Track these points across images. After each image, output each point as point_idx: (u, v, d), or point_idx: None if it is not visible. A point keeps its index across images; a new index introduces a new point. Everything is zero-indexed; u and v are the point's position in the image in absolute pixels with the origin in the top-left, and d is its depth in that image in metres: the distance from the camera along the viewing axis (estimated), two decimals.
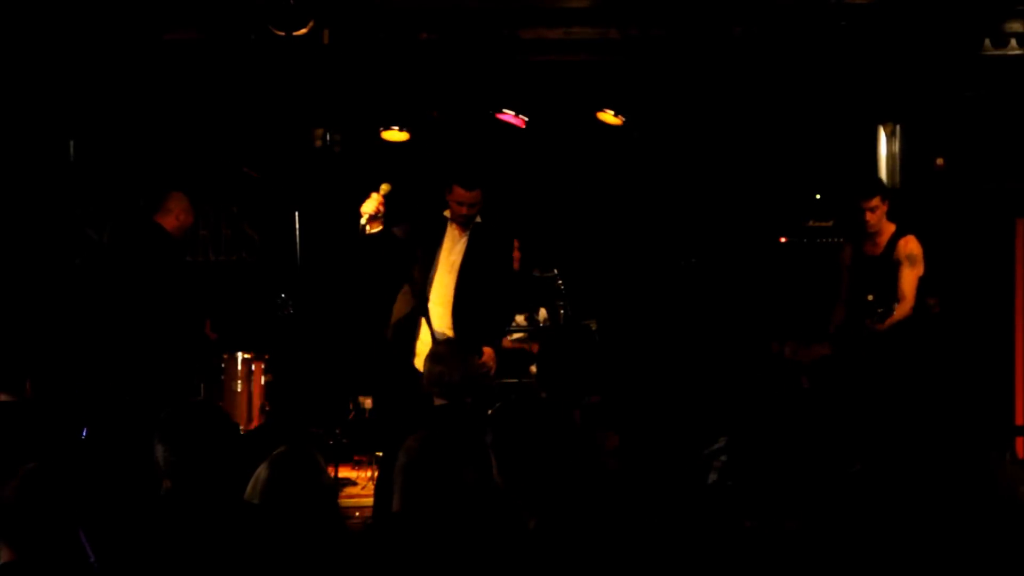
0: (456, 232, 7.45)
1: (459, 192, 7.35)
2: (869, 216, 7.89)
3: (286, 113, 9.48)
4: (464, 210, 7.35)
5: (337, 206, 10.21)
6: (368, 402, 9.10)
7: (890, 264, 7.92)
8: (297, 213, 9.57)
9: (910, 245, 7.94)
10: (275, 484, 4.27)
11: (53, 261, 9.08)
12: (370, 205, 7.05)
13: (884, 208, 7.95)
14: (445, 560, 3.78)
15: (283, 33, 7.88)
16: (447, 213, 7.44)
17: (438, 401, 5.81)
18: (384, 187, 7.11)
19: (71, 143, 9.12)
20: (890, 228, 8.00)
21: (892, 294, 7.78)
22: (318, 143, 9.92)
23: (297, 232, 9.56)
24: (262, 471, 4.29)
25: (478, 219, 7.47)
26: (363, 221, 7.03)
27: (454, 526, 3.85)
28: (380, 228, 7.13)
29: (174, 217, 8.24)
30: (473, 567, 3.77)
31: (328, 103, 9.46)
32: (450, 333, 7.27)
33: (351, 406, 9.08)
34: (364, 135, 9.84)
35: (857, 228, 8.00)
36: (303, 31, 7.90)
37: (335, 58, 8.56)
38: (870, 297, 7.78)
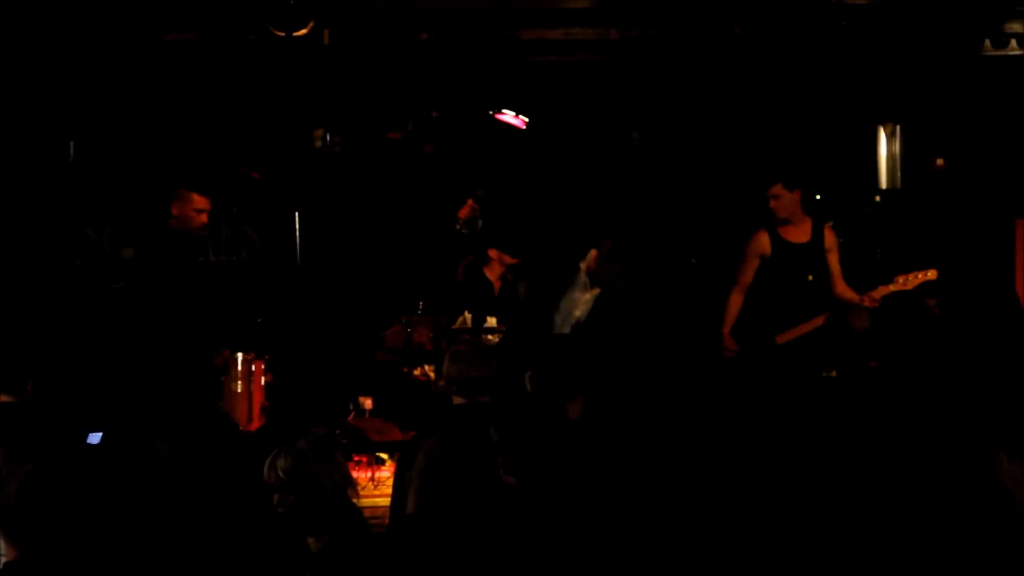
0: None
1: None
2: (773, 203, 8.07)
3: (286, 113, 9.49)
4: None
5: (337, 206, 10.24)
6: (368, 402, 9.09)
7: (820, 251, 8.13)
8: (297, 213, 9.57)
9: (833, 234, 8.24)
10: (292, 473, 4.27)
11: (53, 261, 9.08)
12: (465, 211, 7.31)
13: (793, 197, 8.10)
14: (460, 561, 3.78)
15: (283, 33, 7.88)
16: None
17: (457, 400, 5.80)
18: (479, 193, 7.42)
19: (71, 143, 9.12)
20: (807, 219, 8.21)
21: (827, 278, 8.09)
22: (318, 143, 9.92)
23: (297, 232, 9.56)
24: (281, 461, 4.29)
25: None
26: (457, 226, 7.33)
27: (471, 528, 3.84)
28: (472, 231, 7.40)
29: (175, 214, 8.21)
30: (485, 566, 3.78)
31: (328, 103, 9.47)
32: None
33: (351, 406, 9.06)
34: (364, 135, 9.84)
35: (767, 216, 8.16)
36: (303, 31, 7.90)
37: (335, 58, 8.56)
38: (810, 277, 8.10)
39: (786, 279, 8.17)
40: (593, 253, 8.80)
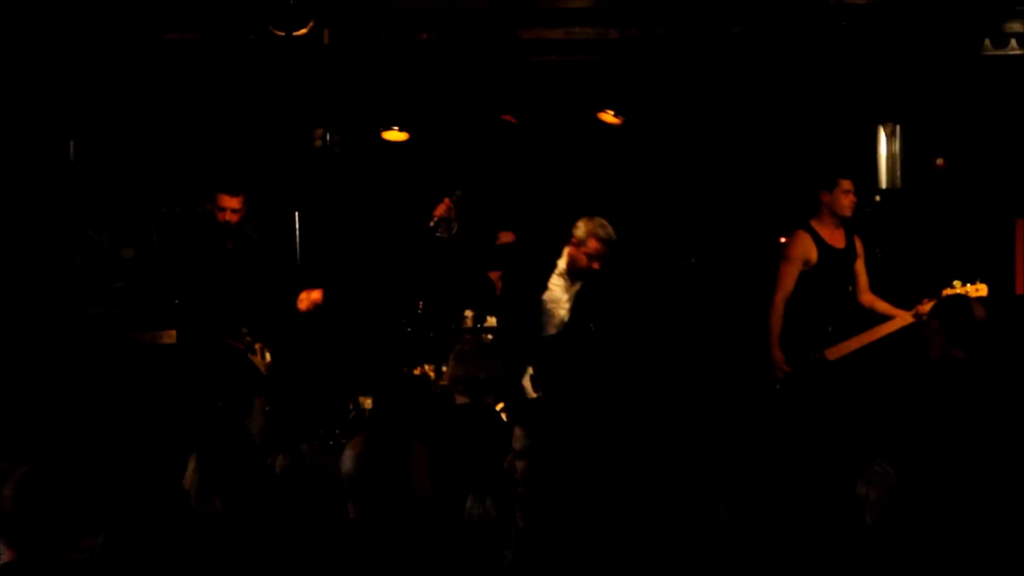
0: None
1: (596, 245, 7.40)
2: (848, 201, 7.82)
3: (286, 113, 9.49)
4: (595, 263, 7.37)
5: (337, 206, 10.24)
6: (368, 402, 9.09)
7: (853, 257, 7.93)
8: (297, 213, 9.57)
9: (860, 240, 7.98)
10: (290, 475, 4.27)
11: (53, 261, 9.08)
12: (440, 209, 7.17)
13: None
14: (410, 564, 3.75)
15: (283, 33, 7.88)
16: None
17: (460, 399, 5.81)
18: (457, 192, 7.22)
19: (71, 143, 9.12)
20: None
21: (854, 287, 7.89)
22: (318, 143, 9.92)
23: (297, 232, 9.57)
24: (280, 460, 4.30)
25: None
26: (432, 223, 7.15)
27: (411, 529, 3.82)
28: (448, 234, 7.23)
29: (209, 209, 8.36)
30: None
31: (328, 103, 9.47)
32: None
33: (351, 406, 9.06)
34: (364, 135, 9.84)
35: (830, 214, 7.88)
36: (303, 31, 7.91)
37: (335, 58, 8.57)
38: (851, 288, 7.87)
39: (830, 288, 7.84)
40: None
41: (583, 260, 7.34)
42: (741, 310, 9.80)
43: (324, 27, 8.25)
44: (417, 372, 8.80)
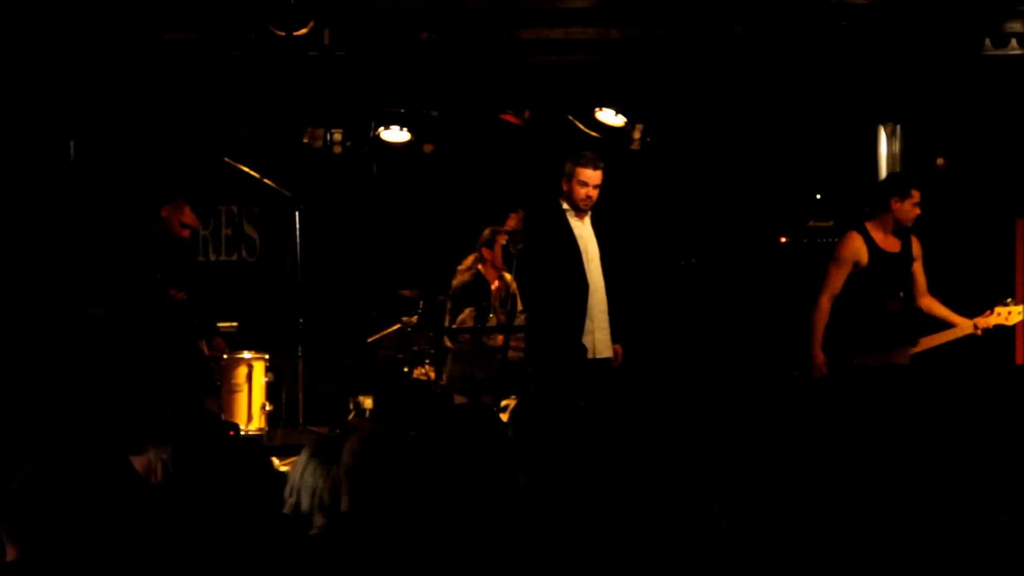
0: (576, 220, 7.57)
1: (584, 172, 7.46)
2: (915, 211, 7.61)
3: (286, 113, 9.49)
4: (591, 190, 7.45)
5: (337, 206, 10.25)
6: (368, 402, 9.10)
7: (909, 261, 7.74)
8: (297, 213, 9.58)
9: (918, 242, 7.79)
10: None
11: (53, 261, 9.08)
12: (512, 221, 7.30)
13: None
14: (401, 559, 3.75)
15: (283, 33, 7.89)
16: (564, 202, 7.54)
17: (458, 399, 5.82)
18: (519, 211, 7.36)
19: (71, 143, 9.12)
20: None
21: (910, 289, 7.71)
22: (318, 143, 9.92)
23: (297, 232, 9.57)
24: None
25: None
26: (504, 241, 7.27)
27: (407, 525, 3.81)
28: (515, 249, 7.36)
29: (164, 216, 8.19)
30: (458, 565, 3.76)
31: (328, 103, 9.47)
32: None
33: (351, 406, 9.07)
34: (364, 135, 9.85)
35: (892, 220, 7.66)
36: (303, 31, 7.91)
37: (335, 58, 8.57)
38: (901, 294, 7.66)
39: (879, 292, 7.66)
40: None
41: (579, 191, 7.55)
42: (741, 310, 9.83)
43: (324, 27, 8.25)
44: (417, 372, 8.81)
